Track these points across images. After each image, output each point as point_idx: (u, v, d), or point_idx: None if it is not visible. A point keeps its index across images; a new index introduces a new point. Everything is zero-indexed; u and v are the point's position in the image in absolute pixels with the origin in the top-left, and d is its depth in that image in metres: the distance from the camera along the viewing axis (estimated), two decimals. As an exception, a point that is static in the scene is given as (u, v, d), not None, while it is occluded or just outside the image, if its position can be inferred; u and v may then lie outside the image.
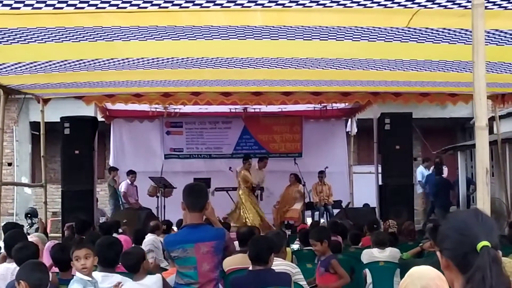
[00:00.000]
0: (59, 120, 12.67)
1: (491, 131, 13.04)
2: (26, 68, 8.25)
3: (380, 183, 13.19)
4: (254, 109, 15.47)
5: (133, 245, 8.16)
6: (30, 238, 8.02)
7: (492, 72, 8.40)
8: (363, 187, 15.70)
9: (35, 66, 8.10)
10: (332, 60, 8.07)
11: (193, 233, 5.03)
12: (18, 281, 4.55)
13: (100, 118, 14.27)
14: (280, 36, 6.54)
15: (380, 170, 13.21)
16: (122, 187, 15.54)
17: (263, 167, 15.66)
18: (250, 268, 5.75)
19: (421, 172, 17.27)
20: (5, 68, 8.29)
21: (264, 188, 15.71)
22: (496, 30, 6.24)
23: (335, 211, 15.81)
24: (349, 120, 16.80)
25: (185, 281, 5.03)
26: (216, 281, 5.08)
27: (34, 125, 17.80)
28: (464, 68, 8.24)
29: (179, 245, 5.01)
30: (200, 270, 4.97)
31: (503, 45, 6.82)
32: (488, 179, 4.44)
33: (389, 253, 7.95)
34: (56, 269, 6.07)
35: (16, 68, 8.23)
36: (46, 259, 6.68)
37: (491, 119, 12.56)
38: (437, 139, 19.57)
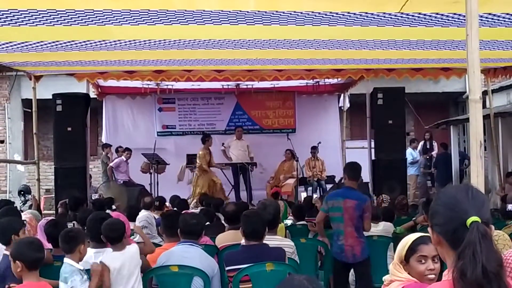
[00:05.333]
0: (51, 97, 12.59)
1: (483, 105, 13.05)
2: (17, 47, 8.14)
3: (373, 158, 13.19)
4: (247, 85, 15.42)
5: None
6: (24, 215, 8.04)
7: (485, 49, 8.39)
8: (356, 162, 15.65)
9: (26, 46, 7.99)
10: (325, 41, 8.02)
11: (346, 192, 7.23)
12: (14, 261, 4.55)
13: (92, 94, 14.14)
14: (272, 22, 6.48)
15: (373, 145, 13.21)
16: (113, 163, 15.54)
17: (240, 137, 15.83)
18: (244, 243, 5.79)
19: (410, 153, 17.18)
20: (-5, 46, 8.20)
21: (257, 164, 15.73)
22: (489, 14, 6.25)
23: (328, 186, 15.87)
24: (342, 95, 16.73)
25: (335, 226, 7.21)
26: (356, 229, 7.05)
27: (26, 102, 17.68)
28: (457, 46, 8.22)
29: (336, 197, 7.25)
30: (345, 216, 7.06)
31: (496, 27, 6.83)
32: (482, 152, 4.45)
33: (383, 227, 8.02)
34: (49, 246, 6.09)
35: (7, 47, 8.12)
36: (40, 236, 6.68)
37: (484, 93, 12.53)
38: (430, 113, 19.55)
